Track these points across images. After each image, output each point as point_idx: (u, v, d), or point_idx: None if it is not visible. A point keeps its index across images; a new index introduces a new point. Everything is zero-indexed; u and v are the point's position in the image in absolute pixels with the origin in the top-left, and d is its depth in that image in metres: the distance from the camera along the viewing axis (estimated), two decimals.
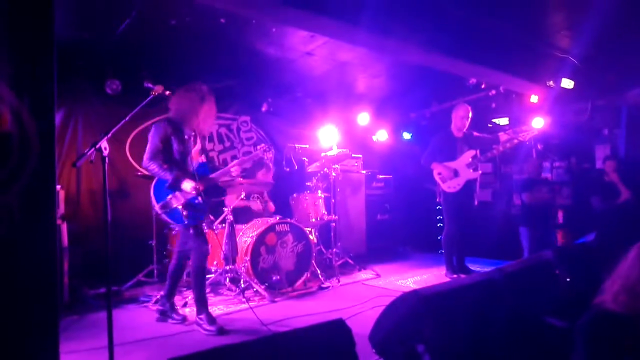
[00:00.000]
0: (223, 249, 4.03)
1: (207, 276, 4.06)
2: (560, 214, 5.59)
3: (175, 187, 3.07)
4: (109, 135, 2.20)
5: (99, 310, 3.59)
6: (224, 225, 4.18)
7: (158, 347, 2.84)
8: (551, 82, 5.03)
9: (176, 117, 3.21)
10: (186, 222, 3.10)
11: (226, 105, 5.77)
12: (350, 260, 5.18)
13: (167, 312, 3.33)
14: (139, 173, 4.81)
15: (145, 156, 3.11)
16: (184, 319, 3.29)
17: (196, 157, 3.38)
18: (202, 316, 3.12)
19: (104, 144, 2.12)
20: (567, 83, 4.96)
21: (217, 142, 5.70)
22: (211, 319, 3.10)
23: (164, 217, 3.13)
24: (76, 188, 4.56)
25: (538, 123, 5.00)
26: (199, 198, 3.09)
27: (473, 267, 4.73)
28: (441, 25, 3.94)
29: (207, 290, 4.02)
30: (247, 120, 5.98)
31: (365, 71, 5.28)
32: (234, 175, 3.44)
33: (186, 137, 3.22)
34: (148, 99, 2.69)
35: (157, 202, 3.10)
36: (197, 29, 3.91)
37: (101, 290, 4.01)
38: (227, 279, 4.13)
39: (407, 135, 7.31)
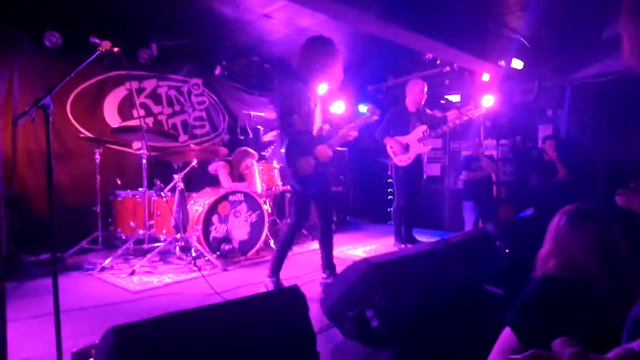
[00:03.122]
0: (173, 216, 3.93)
1: (156, 244, 3.98)
2: (503, 190, 5.91)
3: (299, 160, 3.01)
4: (53, 92, 2.03)
5: (39, 277, 3.42)
6: (174, 192, 4.06)
7: (104, 315, 2.76)
8: (502, 62, 5.20)
9: (303, 74, 3.06)
10: (308, 190, 3.07)
11: (177, 67, 5.50)
12: (304, 231, 5.22)
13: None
14: (82, 135, 4.55)
15: (279, 119, 3.00)
16: None
17: (318, 119, 3.23)
18: (273, 279, 3.14)
19: (48, 102, 1.96)
20: (517, 63, 5.15)
21: (166, 105, 5.44)
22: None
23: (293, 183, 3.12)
24: (12, 149, 4.23)
25: (488, 101, 5.18)
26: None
27: (420, 237, 4.92)
28: None
29: (156, 259, 3.95)
30: (199, 84, 5.72)
31: None
32: (351, 139, 3.29)
33: (312, 95, 3.09)
34: (94, 55, 2.49)
35: (288, 166, 3.03)
36: None
37: (41, 257, 3.81)
38: (177, 248, 4.04)
39: (363, 108, 7.34)
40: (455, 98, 6.36)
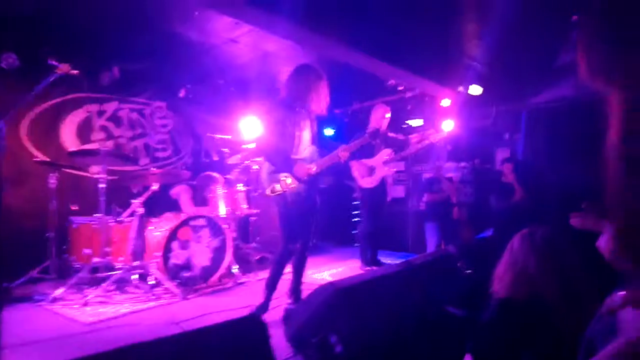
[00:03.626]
0: (131, 243, 3.79)
1: (111, 273, 3.79)
2: (463, 211, 6.04)
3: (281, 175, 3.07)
4: (7, 117, 1.95)
5: None
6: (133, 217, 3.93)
7: (55, 349, 2.59)
8: (461, 88, 5.41)
9: (288, 99, 3.14)
10: (289, 209, 3.11)
11: (140, 89, 5.39)
12: (268, 255, 5.14)
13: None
14: (36, 159, 4.36)
15: (260, 139, 3.25)
16: None
17: (306, 142, 3.27)
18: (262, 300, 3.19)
19: (1, 126, 1.88)
20: (476, 89, 5.37)
21: (127, 128, 5.30)
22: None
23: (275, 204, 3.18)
24: None
25: (448, 126, 5.35)
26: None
27: (385, 259, 4.95)
28: (362, 25, 4.07)
29: (112, 288, 3.76)
30: (163, 107, 5.61)
31: (289, 63, 5.23)
32: (342, 160, 3.28)
33: (297, 119, 3.15)
34: (52, 77, 2.43)
35: (266, 185, 3.10)
36: (109, 4, 3.61)
37: None
38: (135, 276, 3.86)
39: (329, 131, 7.41)
40: (417, 122, 6.53)
